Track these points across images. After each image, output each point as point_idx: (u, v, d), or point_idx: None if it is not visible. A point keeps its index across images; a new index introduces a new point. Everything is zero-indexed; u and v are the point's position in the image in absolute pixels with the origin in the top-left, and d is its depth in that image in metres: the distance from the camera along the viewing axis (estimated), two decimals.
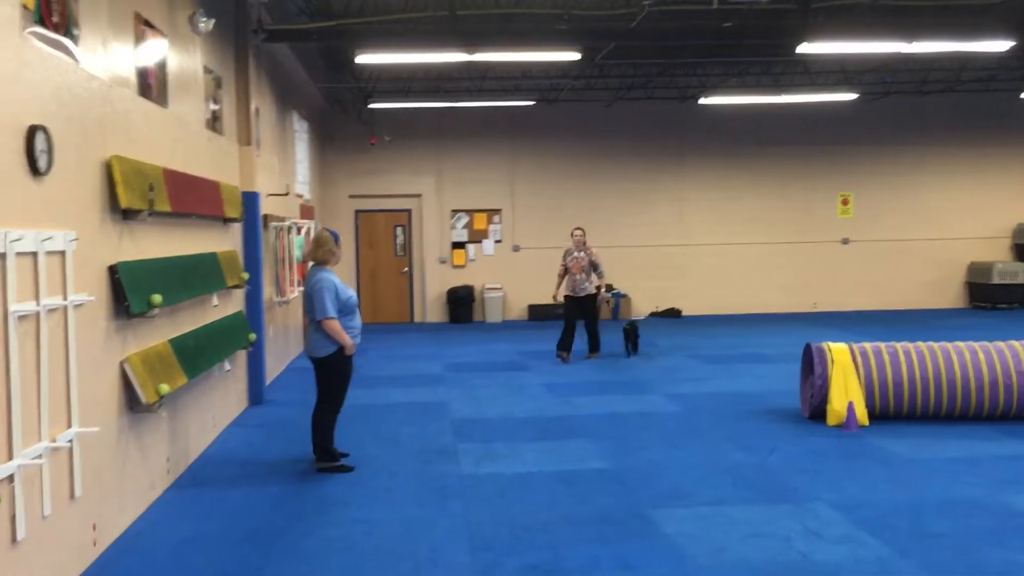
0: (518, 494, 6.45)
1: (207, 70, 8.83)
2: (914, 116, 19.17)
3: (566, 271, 12.68)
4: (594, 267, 12.62)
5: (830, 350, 8.50)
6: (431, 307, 18.88)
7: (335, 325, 6.95)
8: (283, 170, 12.83)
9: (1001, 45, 12.36)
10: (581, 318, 12.72)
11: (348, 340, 7.02)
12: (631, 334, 13.26)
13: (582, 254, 12.63)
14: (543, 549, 5.31)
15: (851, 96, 17.39)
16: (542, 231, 18.92)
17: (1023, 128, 19.40)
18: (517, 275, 18.88)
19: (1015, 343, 8.51)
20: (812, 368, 8.65)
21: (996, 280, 18.86)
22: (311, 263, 7.33)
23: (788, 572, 4.88)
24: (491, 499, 6.35)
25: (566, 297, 12.71)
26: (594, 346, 12.95)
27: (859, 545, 5.28)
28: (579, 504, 6.20)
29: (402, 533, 5.66)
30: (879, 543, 5.29)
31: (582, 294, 12.61)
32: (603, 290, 13.01)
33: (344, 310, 7.04)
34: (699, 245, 19.21)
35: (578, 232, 12.76)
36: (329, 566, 5.13)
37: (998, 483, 6.48)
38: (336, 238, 7.31)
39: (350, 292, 7.17)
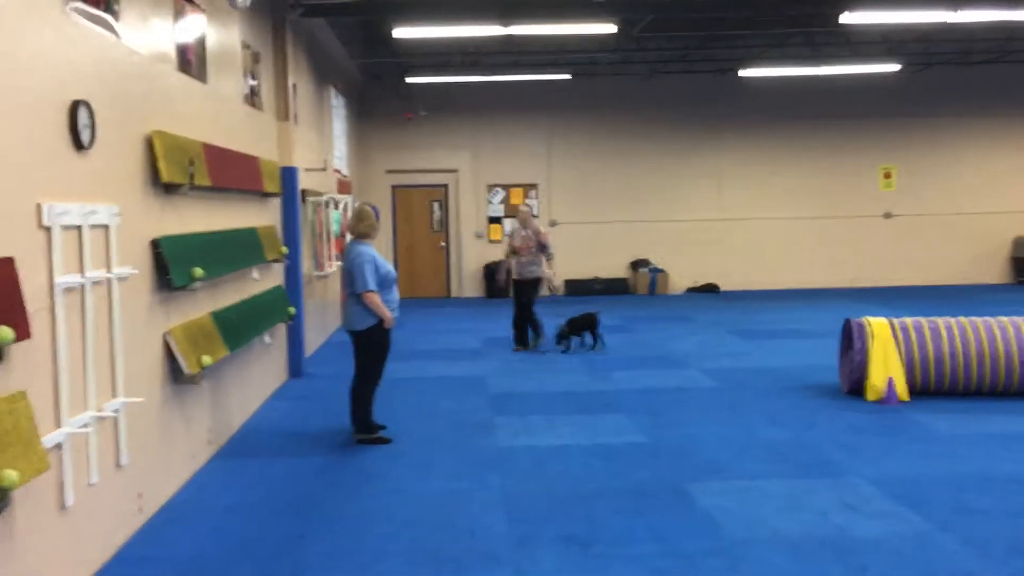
0: (555, 467, 6.49)
1: (245, 45, 8.88)
2: (958, 87, 18.77)
3: (513, 252, 11.52)
4: (542, 248, 11.45)
5: (870, 325, 8.42)
6: (467, 282, 18.94)
7: (375, 298, 7.01)
8: (320, 145, 12.90)
9: None
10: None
11: (388, 313, 7.09)
12: (570, 332, 11.42)
13: (529, 232, 11.46)
14: (579, 520, 5.34)
15: (894, 67, 17.06)
16: (579, 206, 18.88)
17: None
18: (554, 250, 18.80)
19: None
20: (851, 343, 8.58)
21: None
22: (350, 237, 7.40)
23: (825, 546, 4.87)
24: (528, 471, 6.39)
25: (514, 281, 11.52)
26: (535, 332, 11.62)
27: (898, 520, 5.25)
28: (615, 477, 6.22)
29: (440, 504, 5.73)
30: (919, 518, 5.26)
31: (530, 277, 11.45)
32: (552, 274, 11.73)
33: (383, 284, 7.11)
34: (737, 220, 19.04)
35: (524, 208, 11.75)
36: (368, 535, 5.21)
37: None
38: (376, 213, 7.38)
39: (389, 266, 7.23)
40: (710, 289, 18.88)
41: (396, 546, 5.03)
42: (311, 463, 6.74)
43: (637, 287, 18.75)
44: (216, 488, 6.20)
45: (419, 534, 5.21)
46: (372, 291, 7.00)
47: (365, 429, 7.25)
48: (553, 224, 18.89)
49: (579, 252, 18.87)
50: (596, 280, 18.81)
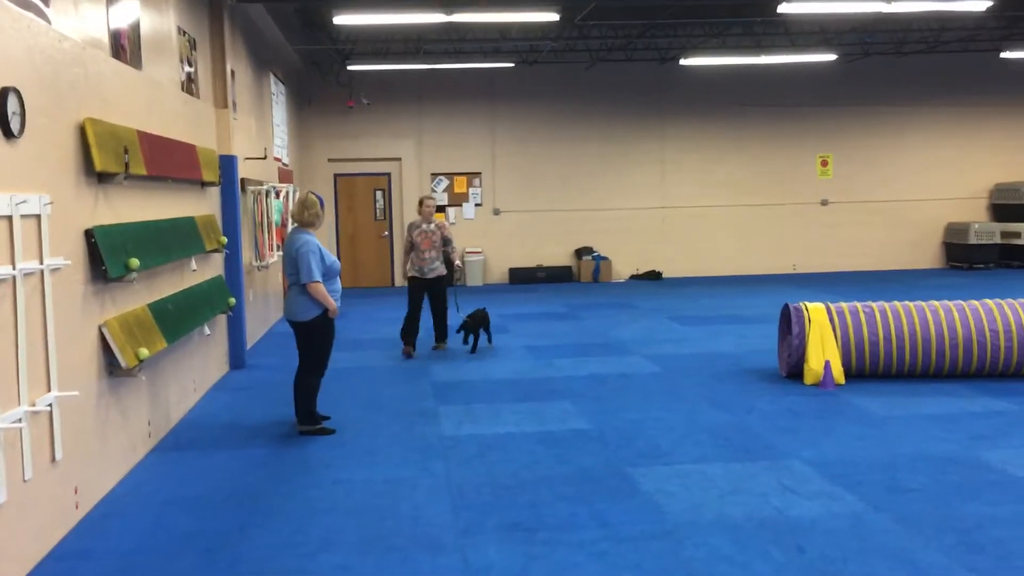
0: (499, 454, 6.51)
1: (181, 31, 8.71)
2: (893, 77, 19.19)
3: (412, 247, 10.58)
4: (446, 242, 10.68)
5: (807, 310, 8.58)
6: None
7: (321, 288, 6.95)
8: (260, 133, 12.72)
9: (979, 4, 12.37)
10: (428, 301, 10.72)
11: (333, 303, 7.04)
12: (474, 326, 10.71)
13: (432, 227, 10.53)
14: (523, 507, 5.37)
15: (830, 57, 17.37)
16: (523, 194, 18.91)
17: (1001, 88, 19.46)
18: (498, 238, 18.87)
19: (989, 302, 8.61)
20: (790, 328, 8.74)
21: (973, 240, 19.04)
22: (293, 225, 7.31)
23: (764, 528, 4.96)
24: (472, 459, 6.41)
25: (412, 279, 10.58)
26: (442, 335, 10.94)
27: (834, 500, 5.37)
28: (559, 464, 6.26)
29: (384, 493, 5.71)
30: (854, 498, 5.39)
31: (431, 275, 10.50)
32: (457, 262, 10.97)
33: (328, 274, 7.05)
34: (679, 207, 19.25)
35: (429, 202, 10.61)
36: (312, 525, 5.17)
37: (972, 439, 6.59)
38: (322, 202, 7.32)
39: (333, 257, 7.18)
40: (653, 276, 19.07)
41: (340, 536, 5.01)
42: (253, 455, 6.67)
43: (581, 275, 18.86)
44: (156, 481, 6.11)
45: (363, 523, 5.19)
46: (318, 281, 6.94)
47: (309, 420, 7.19)
48: (497, 212, 18.90)
49: (523, 240, 18.93)
50: (540, 268, 18.87)
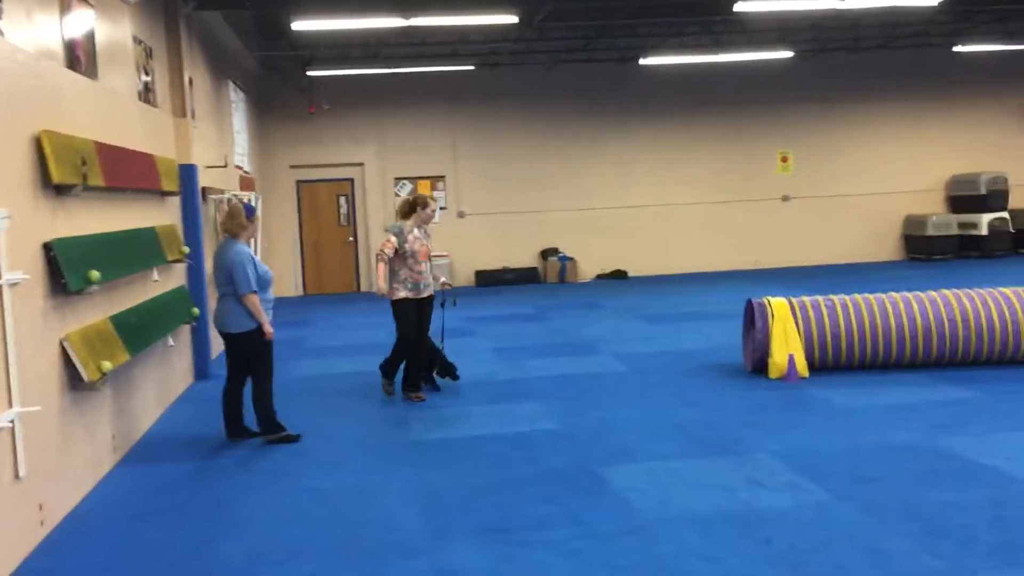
0: (469, 457, 6.52)
1: (137, 40, 8.62)
2: (849, 73, 19.45)
3: (399, 258, 8.14)
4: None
5: (770, 305, 8.67)
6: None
7: (257, 302, 6.84)
8: (221, 141, 12.62)
9: (931, 0, 12.58)
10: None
11: (268, 324, 6.91)
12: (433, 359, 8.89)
13: (421, 232, 8.31)
14: (495, 509, 5.39)
15: (787, 54, 17.57)
16: (487, 196, 18.92)
17: (955, 82, 19.79)
18: (463, 241, 18.86)
19: (947, 292, 8.77)
20: (754, 323, 8.83)
21: (931, 232, 19.34)
22: (223, 235, 7.18)
23: (732, 521, 5.01)
24: (442, 464, 6.41)
25: (405, 300, 8.17)
26: (432, 369, 8.88)
27: (800, 491, 5.44)
28: (530, 464, 6.28)
29: (354, 500, 5.69)
30: (819, 489, 5.46)
31: (425, 294, 8.31)
32: (443, 279, 8.83)
33: (260, 284, 6.92)
34: (643, 206, 19.36)
35: (434, 203, 8.47)
36: (282, 534, 5.15)
37: (933, 427, 6.70)
38: (250, 212, 7.12)
39: (266, 266, 7.09)
40: (619, 275, 19.17)
41: (311, 544, 4.99)
42: (220, 465, 6.61)
43: (547, 275, 18.90)
44: (122, 495, 6.04)
45: (334, 531, 5.17)
46: (254, 291, 6.82)
47: (272, 429, 7.09)
48: (461, 215, 18.90)
49: (488, 242, 18.94)
50: (506, 270, 18.90)
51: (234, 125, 14.20)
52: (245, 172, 14.84)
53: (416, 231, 8.24)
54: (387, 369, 8.60)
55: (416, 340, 8.26)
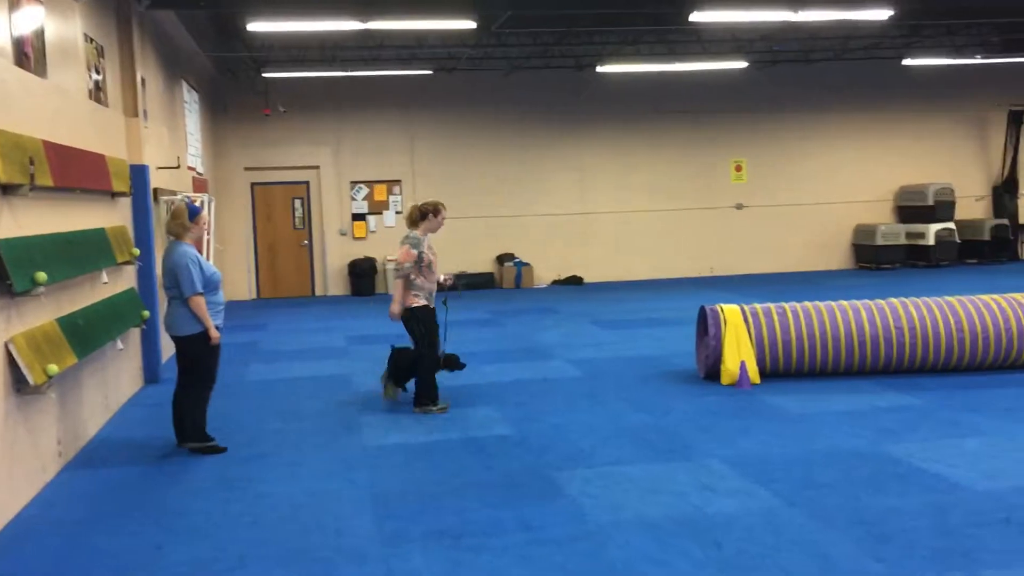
0: (423, 463, 6.50)
1: (88, 39, 8.49)
2: (802, 84, 19.75)
3: (419, 270, 7.92)
4: None
5: (723, 312, 8.78)
6: (332, 280, 18.69)
7: (202, 304, 6.71)
8: (173, 142, 12.46)
9: (881, 13, 12.85)
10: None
11: (213, 329, 6.77)
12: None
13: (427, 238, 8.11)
14: (449, 514, 5.38)
15: (742, 64, 17.81)
16: (443, 201, 18.78)
17: (905, 95, 20.19)
18: None
19: (895, 301, 8.94)
20: (707, 330, 8.92)
21: (880, 241, 19.70)
22: (168, 237, 7.04)
23: (683, 525, 5.06)
24: (397, 469, 6.38)
25: (427, 308, 7.97)
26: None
27: (750, 497, 5.51)
28: (484, 470, 6.28)
29: (308, 506, 5.65)
30: (769, 494, 5.54)
31: (433, 303, 8.14)
32: (442, 277, 8.46)
33: (208, 286, 6.80)
34: (599, 213, 19.48)
35: (444, 210, 8.20)
36: (232, 541, 5.09)
37: (879, 433, 6.83)
38: (194, 212, 6.98)
39: (214, 268, 6.98)
40: (574, 281, 19.25)
41: (262, 550, 4.94)
42: (170, 471, 6.52)
43: (503, 281, 18.93)
44: (68, 501, 5.93)
45: (285, 537, 5.13)
46: (200, 293, 6.70)
47: (199, 437, 6.92)
48: None
49: (444, 247, 18.65)
50: (462, 275, 18.85)
51: (187, 126, 14.03)
52: (198, 173, 14.67)
53: (427, 240, 8.04)
54: (400, 377, 8.28)
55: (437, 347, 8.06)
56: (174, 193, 11.39)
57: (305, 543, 5.02)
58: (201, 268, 6.76)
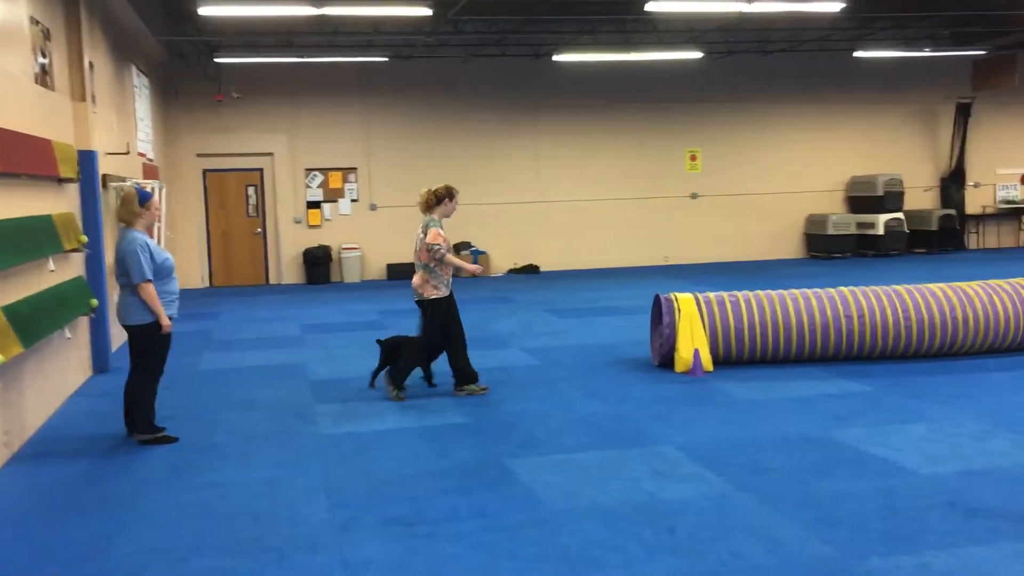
0: (378, 451, 6.48)
1: (34, 21, 8.29)
2: (756, 74, 19.94)
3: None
4: None
5: (677, 300, 8.85)
6: (287, 268, 18.52)
7: (152, 291, 6.56)
8: (123, 127, 12.24)
9: (834, 5, 13.01)
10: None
11: (164, 317, 6.64)
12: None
13: None
14: (402, 502, 5.37)
15: (697, 55, 17.93)
16: (399, 189, 18.76)
17: (856, 87, 20.47)
18: (375, 234, 18.72)
19: (844, 289, 9.09)
20: (661, 318, 8.99)
21: (831, 231, 20.00)
22: (119, 224, 6.90)
23: (637, 511, 5.11)
24: (350, 457, 6.36)
25: (444, 300, 8.03)
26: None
27: (702, 482, 5.58)
28: (439, 458, 6.28)
29: (260, 495, 5.61)
30: (720, 480, 5.61)
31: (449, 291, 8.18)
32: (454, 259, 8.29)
33: (160, 273, 6.67)
34: (555, 201, 19.51)
35: (458, 194, 8.14)
36: (183, 531, 5.04)
37: (828, 419, 6.94)
38: (144, 198, 6.82)
39: (166, 254, 6.83)
40: (530, 270, 19.28)
41: (213, 539, 4.89)
42: (119, 461, 6.43)
43: (460, 270, 18.86)
44: (14, 493, 5.82)
45: (237, 526, 5.09)
46: (149, 280, 6.56)
47: (148, 428, 6.82)
48: (373, 208, 18.75)
49: (401, 235, 18.70)
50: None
51: (137, 111, 13.79)
52: (149, 160, 14.43)
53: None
54: (399, 377, 8.05)
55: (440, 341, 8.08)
56: (123, 179, 11.20)
57: (257, 532, 4.98)
58: (151, 255, 6.62)
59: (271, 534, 4.95)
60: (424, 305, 8.00)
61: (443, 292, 7.97)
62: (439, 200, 8.02)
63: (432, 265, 7.89)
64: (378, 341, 8.45)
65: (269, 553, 4.69)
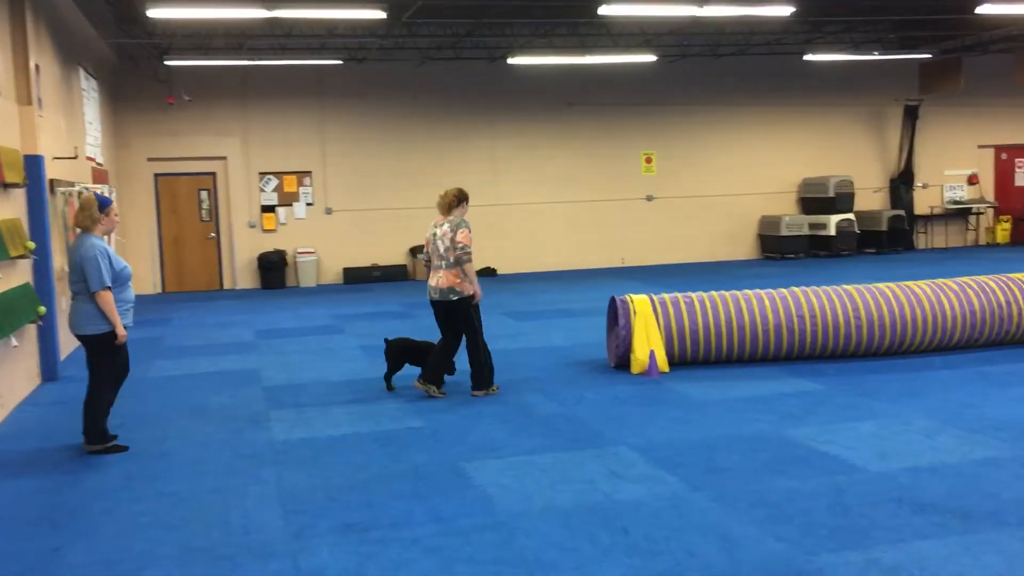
0: (332, 457, 6.44)
1: None
2: (709, 78, 20.14)
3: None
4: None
5: (632, 302, 8.91)
6: (241, 273, 18.32)
7: (110, 299, 6.45)
8: (71, 132, 12.03)
9: (783, 10, 13.19)
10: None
11: (121, 327, 6.54)
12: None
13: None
14: (357, 508, 5.34)
15: (651, 58, 18.07)
16: (355, 193, 18.72)
17: (807, 90, 20.77)
18: (331, 238, 18.60)
19: (796, 290, 9.21)
20: (617, 320, 9.04)
21: (784, 232, 20.26)
22: (77, 230, 6.76)
23: (593, 512, 5.13)
24: (305, 463, 6.31)
25: (471, 298, 8.17)
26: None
27: (657, 482, 5.62)
28: (394, 462, 6.25)
29: (213, 503, 5.54)
30: (675, 479, 5.65)
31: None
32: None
33: (117, 281, 6.57)
34: (513, 204, 19.53)
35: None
36: (134, 541, 4.96)
37: (781, 418, 7.03)
38: (104, 203, 6.71)
39: (124, 262, 6.74)
40: (488, 272, 19.27)
41: (165, 549, 4.82)
42: (69, 471, 6.31)
43: (416, 273, 18.83)
44: None
45: (190, 535, 5.02)
46: (108, 288, 6.44)
47: (98, 439, 6.68)
48: (329, 212, 18.63)
49: (357, 240, 18.73)
50: (375, 267, 18.74)
51: (86, 115, 13.56)
52: (98, 164, 14.20)
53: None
54: (434, 375, 8.15)
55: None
56: (72, 184, 11.02)
57: (209, 541, 4.92)
58: (111, 262, 6.51)
59: (224, 543, 4.90)
60: (461, 303, 8.02)
61: (472, 288, 8.06)
62: (459, 202, 8.18)
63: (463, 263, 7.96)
64: (386, 341, 8.57)
65: (222, 562, 4.63)
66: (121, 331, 6.57)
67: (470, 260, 7.97)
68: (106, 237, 6.82)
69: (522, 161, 19.57)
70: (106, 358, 6.65)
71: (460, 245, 7.92)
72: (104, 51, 15.45)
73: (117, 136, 17.16)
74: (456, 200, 8.16)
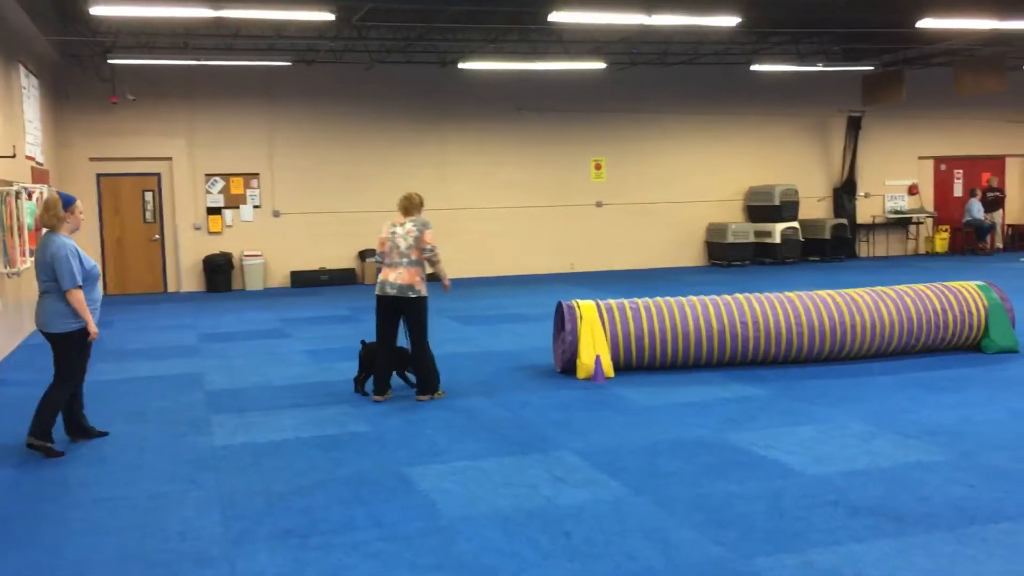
0: (274, 462, 6.37)
1: None
2: (658, 86, 20.34)
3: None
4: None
5: (579, 307, 8.96)
6: (186, 276, 18.06)
7: (82, 297, 6.46)
8: (9, 130, 11.76)
9: (730, 20, 13.39)
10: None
11: (93, 325, 6.56)
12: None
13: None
14: (298, 513, 5.29)
15: (601, 65, 18.20)
16: (303, 196, 18.55)
17: (753, 99, 21.05)
18: (278, 241, 18.42)
19: (740, 296, 9.34)
20: (564, 325, 9.08)
21: (730, 239, 20.52)
22: (43, 230, 6.79)
23: (534, 517, 5.15)
24: (245, 468, 6.23)
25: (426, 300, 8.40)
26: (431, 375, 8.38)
27: (599, 487, 5.65)
28: (336, 467, 6.21)
29: (151, 509, 5.45)
30: (617, 484, 5.69)
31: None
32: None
33: (87, 279, 6.59)
34: (462, 209, 19.51)
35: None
36: (67, 548, 4.86)
37: (723, 423, 7.12)
38: (68, 202, 6.73)
39: (92, 261, 6.75)
40: (436, 277, 19.19)
41: (100, 556, 4.74)
42: (5, 475, 6.17)
43: (365, 277, 18.72)
44: None
45: (126, 541, 4.93)
46: (80, 286, 6.46)
47: (43, 435, 6.61)
48: (277, 214, 18.44)
49: (305, 243, 18.57)
50: (323, 271, 18.59)
51: (25, 113, 13.27)
52: (38, 164, 13.90)
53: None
54: (431, 383, 8.21)
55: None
56: (10, 184, 10.77)
57: (144, 547, 4.84)
58: (81, 261, 6.52)
59: (161, 549, 4.82)
60: (418, 302, 8.24)
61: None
62: (421, 204, 8.56)
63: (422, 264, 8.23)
64: (363, 343, 8.60)
65: (157, 568, 4.56)
66: (93, 328, 6.59)
67: (439, 260, 8.35)
68: (72, 236, 6.76)
69: (472, 166, 19.57)
70: (73, 356, 6.64)
71: (429, 247, 8.20)
72: (46, 49, 15.13)
73: (59, 135, 16.81)
74: (422, 202, 8.55)
